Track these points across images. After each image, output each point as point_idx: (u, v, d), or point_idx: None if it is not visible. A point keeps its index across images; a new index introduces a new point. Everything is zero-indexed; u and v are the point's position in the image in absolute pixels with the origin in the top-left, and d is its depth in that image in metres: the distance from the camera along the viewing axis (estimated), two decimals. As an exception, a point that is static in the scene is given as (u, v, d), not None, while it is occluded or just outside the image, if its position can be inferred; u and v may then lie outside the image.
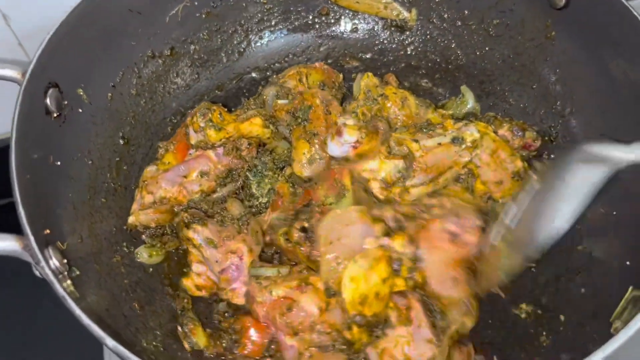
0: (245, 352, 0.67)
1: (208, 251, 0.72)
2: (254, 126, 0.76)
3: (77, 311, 0.55)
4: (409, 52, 0.93)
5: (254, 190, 0.76)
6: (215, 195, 0.77)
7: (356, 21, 0.95)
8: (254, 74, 0.94)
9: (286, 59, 0.95)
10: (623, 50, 0.71)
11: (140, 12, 0.82)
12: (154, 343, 0.66)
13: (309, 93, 0.77)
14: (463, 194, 0.77)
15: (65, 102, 0.72)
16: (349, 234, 0.70)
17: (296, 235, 0.73)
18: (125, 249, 0.75)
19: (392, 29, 0.94)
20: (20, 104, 0.63)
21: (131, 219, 0.77)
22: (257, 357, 0.67)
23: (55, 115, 0.70)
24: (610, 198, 0.67)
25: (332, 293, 0.67)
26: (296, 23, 0.95)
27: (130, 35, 0.82)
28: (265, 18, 0.93)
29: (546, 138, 0.83)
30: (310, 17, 0.95)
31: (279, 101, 0.79)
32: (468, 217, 0.73)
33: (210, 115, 0.74)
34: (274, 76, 0.86)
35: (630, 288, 0.62)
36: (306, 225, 0.73)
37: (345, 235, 0.70)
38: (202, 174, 0.76)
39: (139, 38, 0.83)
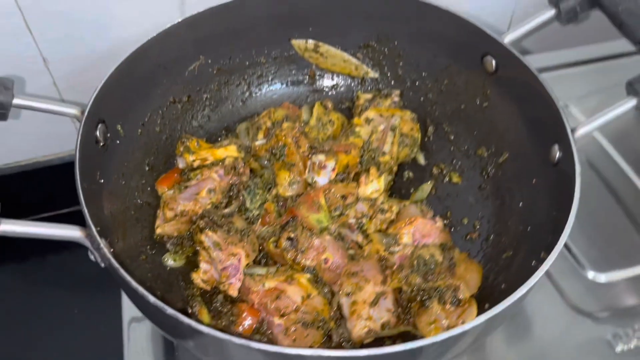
0: (240, 329, 0.85)
1: (215, 253, 0.91)
2: (229, 151, 0.99)
3: (127, 277, 0.72)
4: (377, 103, 1.16)
5: (247, 205, 0.97)
6: (224, 211, 0.98)
7: (336, 78, 1.18)
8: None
9: (280, 106, 1.17)
10: (534, 104, 0.94)
11: (165, 67, 1.03)
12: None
13: (282, 134, 1.00)
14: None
15: (109, 135, 0.93)
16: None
17: (284, 243, 0.93)
18: (149, 251, 0.95)
19: (364, 84, 1.17)
20: (81, 134, 0.84)
21: (159, 231, 0.96)
22: (249, 334, 0.86)
23: (101, 144, 0.91)
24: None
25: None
26: (289, 79, 1.17)
27: (157, 85, 1.03)
28: (264, 74, 1.15)
29: (483, 173, 1.05)
30: (300, 76, 1.17)
31: (257, 142, 1.03)
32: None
33: (187, 143, 0.97)
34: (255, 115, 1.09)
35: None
36: (292, 235, 0.93)
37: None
38: (210, 190, 0.97)
39: (164, 87, 1.04)
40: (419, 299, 0.86)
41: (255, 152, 1.03)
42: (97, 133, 0.90)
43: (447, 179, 1.07)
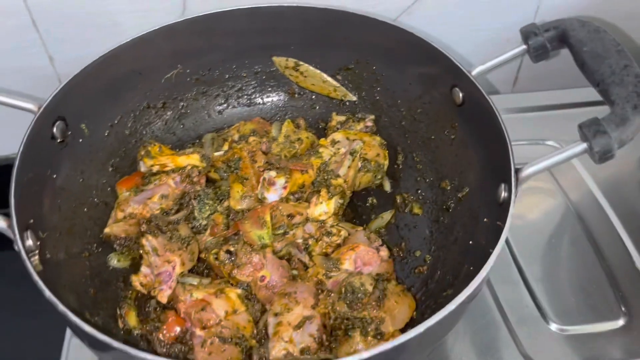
0: (161, 336, 0.86)
1: (153, 257, 0.92)
2: (191, 159, 1.00)
3: (37, 279, 0.73)
4: (352, 125, 1.15)
5: (196, 214, 0.98)
6: (171, 217, 0.99)
7: (314, 98, 1.18)
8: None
9: (257, 121, 1.18)
10: (491, 141, 0.90)
11: (141, 73, 1.06)
12: (95, 319, 0.86)
13: (238, 147, 1.00)
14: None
15: (69, 132, 0.96)
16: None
17: (222, 256, 0.93)
18: (95, 249, 0.97)
19: (342, 107, 1.16)
20: (32, 128, 0.87)
21: (107, 230, 0.99)
22: (169, 342, 0.86)
23: (59, 140, 0.94)
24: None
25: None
26: (268, 94, 1.18)
27: (131, 89, 1.06)
28: (244, 88, 1.17)
29: (444, 207, 1.02)
30: (281, 92, 1.18)
31: (215, 153, 1.03)
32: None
33: (149, 147, 0.98)
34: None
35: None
36: (232, 249, 0.93)
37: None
38: (163, 196, 0.99)
39: (138, 92, 1.07)
40: (343, 327, 0.84)
41: (213, 162, 1.03)
42: (55, 130, 0.93)
43: (408, 209, 1.04)
